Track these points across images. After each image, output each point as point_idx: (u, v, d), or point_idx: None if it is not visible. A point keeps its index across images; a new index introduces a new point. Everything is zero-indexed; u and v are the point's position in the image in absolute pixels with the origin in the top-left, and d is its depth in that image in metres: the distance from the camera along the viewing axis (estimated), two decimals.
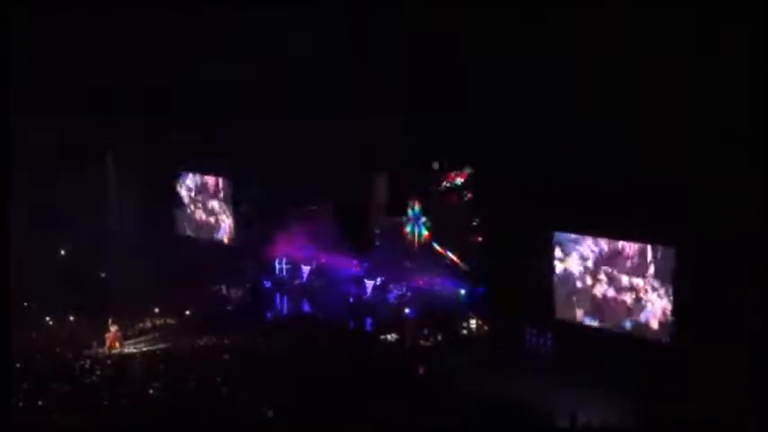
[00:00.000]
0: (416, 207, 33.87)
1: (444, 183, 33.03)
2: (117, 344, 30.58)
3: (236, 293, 36.31)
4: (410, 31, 27.35)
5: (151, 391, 25.84)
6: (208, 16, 28.84)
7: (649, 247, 26.53)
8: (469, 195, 32.29)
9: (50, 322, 32.19)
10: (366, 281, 34.51)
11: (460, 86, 27.67)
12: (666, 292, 26.21)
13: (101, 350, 30.35)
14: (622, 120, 25.19)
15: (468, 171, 32.33)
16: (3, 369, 20.68)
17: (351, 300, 34.41)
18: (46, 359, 28.44)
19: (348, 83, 28.95)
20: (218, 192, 38.34)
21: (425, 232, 33.72)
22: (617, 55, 24.60)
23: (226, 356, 28.99)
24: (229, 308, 35.16)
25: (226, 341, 30.71)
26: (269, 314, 35.19)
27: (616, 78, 24.83)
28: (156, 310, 33.50)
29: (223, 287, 36.56)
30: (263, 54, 29.85)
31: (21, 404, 24.49)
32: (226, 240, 38.39)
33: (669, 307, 26.19)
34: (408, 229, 34.13)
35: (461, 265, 32.45)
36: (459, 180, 32.76)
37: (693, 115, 24.13)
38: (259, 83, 30.51)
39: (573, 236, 28.40)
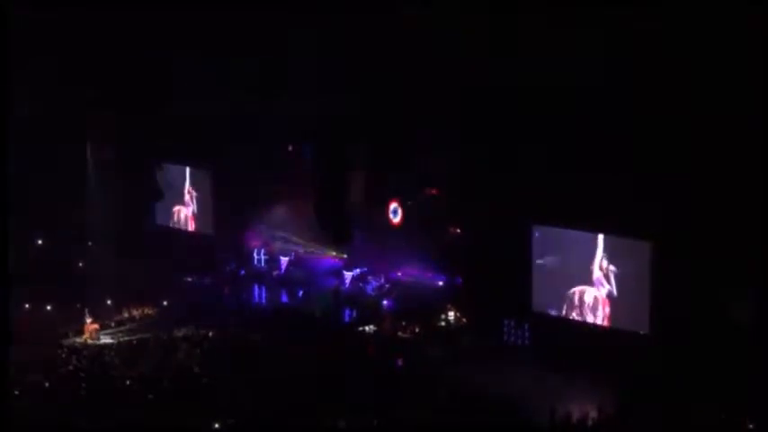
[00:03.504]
0: None
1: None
2: (94, 334, 30.50)
3: (214, 284, 36.23)
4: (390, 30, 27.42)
5: (128, 382, 25.82)
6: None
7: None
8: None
9: (27, 312, 32.01)
10: (345, 272, 34.54)
11: (440, 84, 27.76)
12: None
13: (78, 340, 30.27)
14: (602, 115, 25.34)
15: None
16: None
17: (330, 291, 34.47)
18: (23, 349, 28.26)
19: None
20: (198, 182, 38.22)
21: None
22: (601, 52, 24.76)
23: (204, 347, 28.99)
24: (207, 299, 35.06)
25: (203, 332, 30.67)
26: (247, 305, 35.14)
27: (599, 75, 24.98)
28: (134, 300, 33.39)
29: (201, 278, 36.51)
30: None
31: None
32: (205, 231, 38.24)
33: None
34: None
35: None
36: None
37: (671, 112, 24.32)
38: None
39: (552, 229, 28.51)
